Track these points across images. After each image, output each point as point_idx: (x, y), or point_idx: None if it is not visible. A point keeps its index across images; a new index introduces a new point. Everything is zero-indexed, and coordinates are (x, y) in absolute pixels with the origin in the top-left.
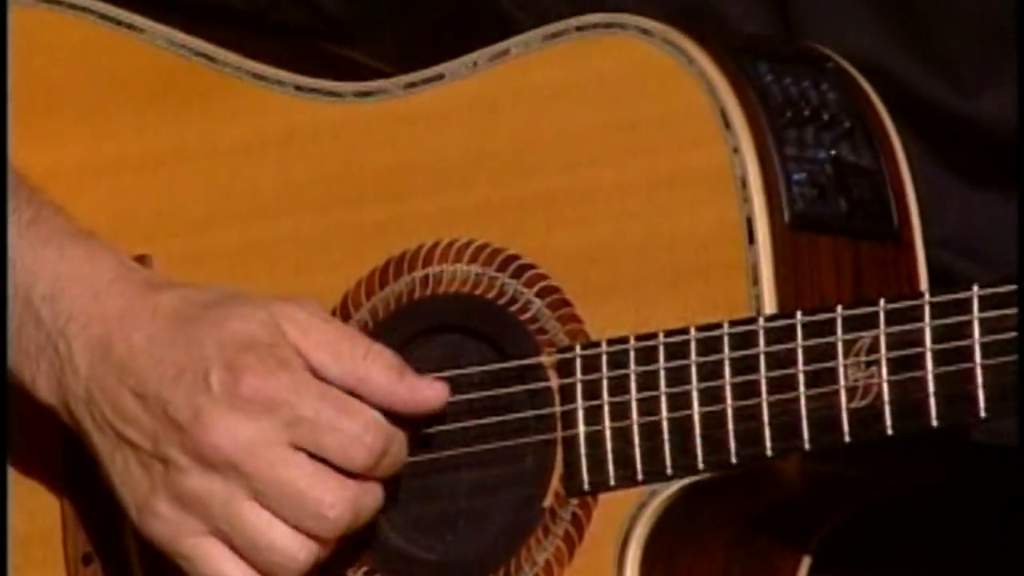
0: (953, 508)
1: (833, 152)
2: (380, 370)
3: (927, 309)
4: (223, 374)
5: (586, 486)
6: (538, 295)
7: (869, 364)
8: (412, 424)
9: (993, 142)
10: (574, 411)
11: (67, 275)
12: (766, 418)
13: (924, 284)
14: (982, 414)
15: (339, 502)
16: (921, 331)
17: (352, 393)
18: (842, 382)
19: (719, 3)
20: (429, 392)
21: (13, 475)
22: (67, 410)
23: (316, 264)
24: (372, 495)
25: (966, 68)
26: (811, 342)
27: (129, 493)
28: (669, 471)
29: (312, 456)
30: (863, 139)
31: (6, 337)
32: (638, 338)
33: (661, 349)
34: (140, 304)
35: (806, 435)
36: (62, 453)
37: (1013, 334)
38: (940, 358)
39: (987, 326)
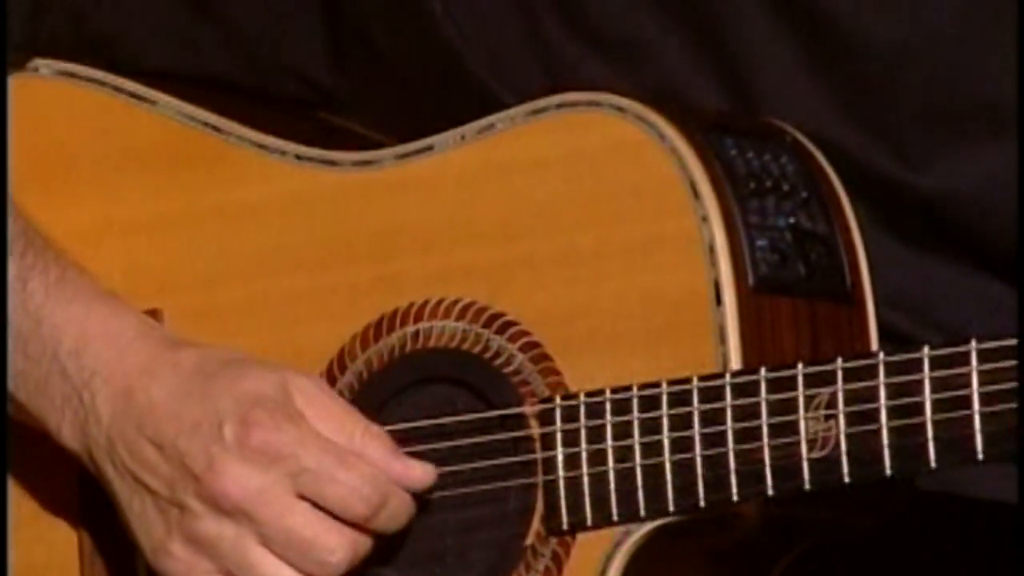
0: (900, 546)
1: (792, 220)
2: (377, 447)
3: (881, 368)
4: (236, 427)
5: (565, 526)
6: (521, 350)
7: (828, 418)
8: None
9: (935, 211)
10: (554, 458)
11: (92, 332)
12: (732, 466)
13: (875, 341)
14: (932, 465)
15: (339, 549)
16: (876, 388)
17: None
18: (803, 434)
19: (686, 82)
20: (419, 471)
21: (33, 511)
22: (89, 456)
23: (314, 319)
24: (371, 542)
25: (912, 143)
26: (774, 397)
27: (145, 535)
28: (642, 513)
29: (316, 505)
30: (819, 207)
31: (6, 338)
32: (614, 391)
33: (635, 401)
34: (161, 360)
35: (769, 482)
36: (79, 493)
37: (962, 392)
38: (893, 413)
39: (937, 384)
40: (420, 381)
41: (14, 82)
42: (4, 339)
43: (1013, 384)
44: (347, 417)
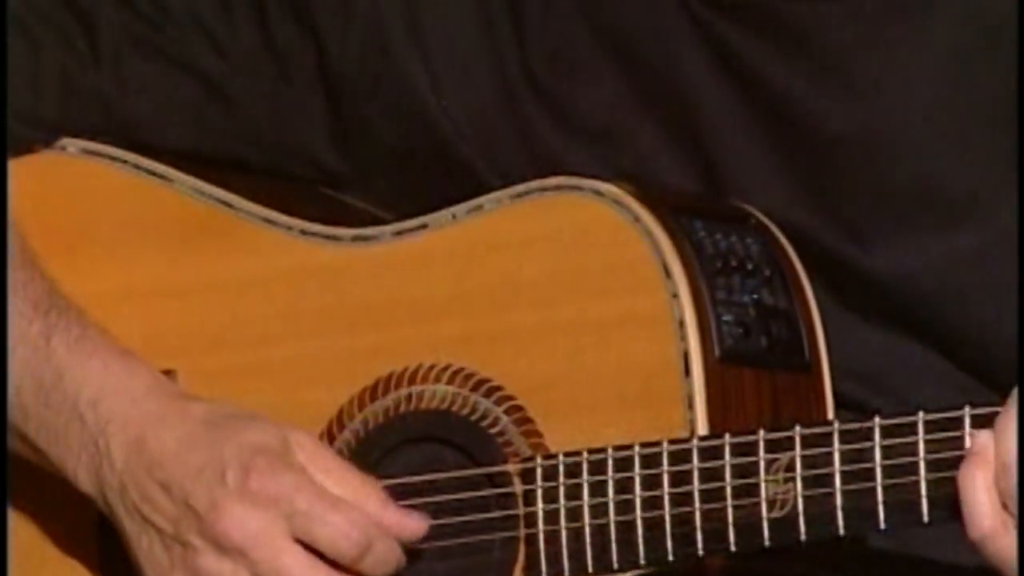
0: None
1: (755, 296)
2: (373, 499)
3: (836, 435)
4: (237, 472)
5: None
6: (505, 413)
7: (786, 480)
8: None
9: (885, 290)
10: (535, 513)
11: (109, 385)
12: (698, 523)
13: (831, 408)
14: (882, 526)
15: None
16: (831, 454)
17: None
18: (763, 495)
19: (660, 168)
20: (413, 522)
21: (55, 552)
22: (103, 498)
23: (316, 381)
24: None
25: (865, 227)
26: (737, 460)
27: (152, 569)
28: (615, 565)
29: (309, 549)
30: (780, 285)
31: (6, 341)
32: (590, 452)
33: (610, 462)
34: (171, 411)
35: (732, 539)
36: (98, 533)
37: (910, 459)
38: (846, 478)
39: (887, 452)
40: (412, 440)
41: (43, 160)
42: (4, 340)
43: (958, 452)
44: (346, 472)
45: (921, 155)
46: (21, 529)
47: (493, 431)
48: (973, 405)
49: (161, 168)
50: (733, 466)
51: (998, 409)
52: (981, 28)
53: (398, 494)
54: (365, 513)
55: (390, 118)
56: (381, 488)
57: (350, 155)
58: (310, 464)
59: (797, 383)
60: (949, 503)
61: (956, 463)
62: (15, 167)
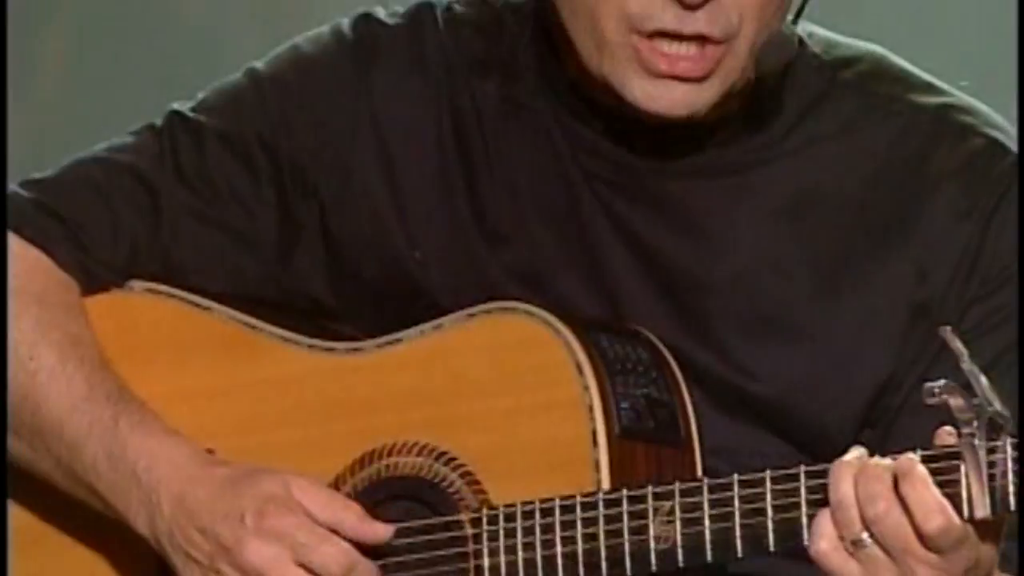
0: None
1: (645, 391)
2: (351, 515)
3: (705, 489)
4: (254, 516)
5: None
6: (460, 477)
7: (668, 522)
8: (375, 556)
9: (742, 392)
10: (481, 550)
11: (159, 456)
12: (603, 554)
13: (699, 472)
14: (739, 555)
15: None
16: (701, 502)
17: (333, 530)
18: (651, 532)
19: (576, 300)
20: (381, 528)
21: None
22: (155, 539)
23: (319, 455)
24: None
25: (729, 348)
26: (632, 508)
27: None
28: None
29: (309, 570)
30: (663, 384)
31: (6, 344)
32: (523, 504)
33: (537, 512)
34: (203, 474)
35: (628, 566)
36: (157, 564)
37: (760, 504)
38: (712, 519)
39: (743, 499)
40: (391, 498)
41: (117, 295)
42: (4, 342)
43: (796, 499)
44: (332, 499)
45: (762, 291)
46: (98, 563)
47: (450, 491)
48: (807, 465)
49: (203, 301)
50: (629, 512)
51: (828, 466)
52: (798, 200)
53: None
54: (350, 526)
55: (375, 266)
56: (358, 507)
57: (343, 294)
58: (304, 498)
59: (675, 455)
60: (790, 536)
61: (795, 507)
62: (96, 301)
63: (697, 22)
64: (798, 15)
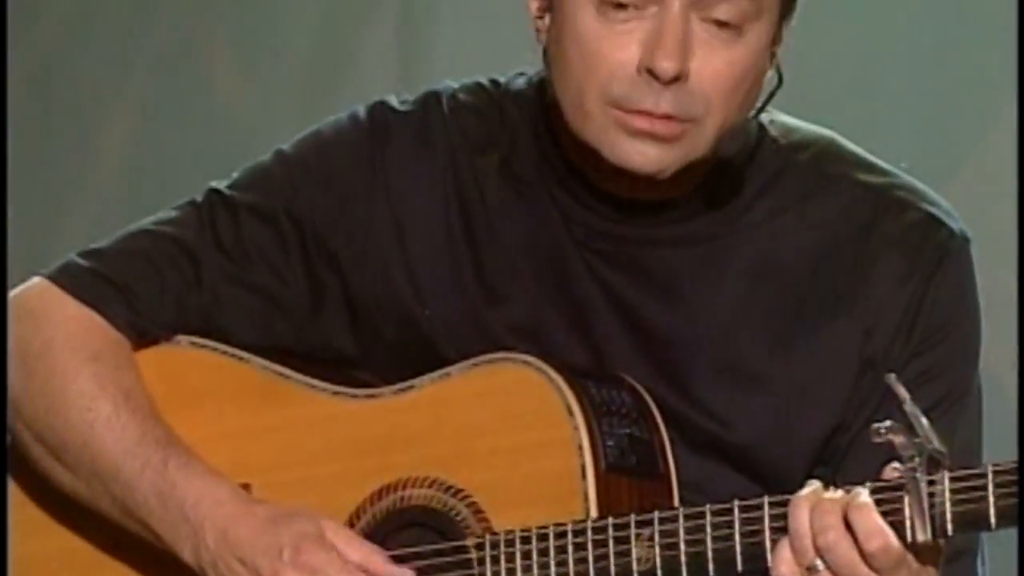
0: None
1: (628, 431)
2: (377, 558)
3: (681, 517)
4: (290, 551)
5: None
6: (466, 507)
7: (649, 546)
8: None
9: (711, 434)
10: (485, 571)
11: (205, 495)
12: (592, 575)
13: (676, 504)
14: (711, 575)
15: None
16: (677, 528)
17: (362, 570)
18: (634, 555)
19: (567, 352)
20: (403, 571)
21: None
22: (200, 568)
23: (343, 489)
24: None
25: (698, 392)
26: (617, 533)
27: None
28: None
29: None
30: (644, 424)
31: (6, 343)
32: (522, 531)
33: (534, 537)
34: (244, 511)
35: None
36: None
37: (728, 531)
38: (687, 543)
39: (714, 526)
40: (406, 525)
41: (164, 349)
42: (4, 343)
43: (760, 527)
44: (360, 543)
45: (729, 346)
46: None
47: (458, 519)
48: (770, 497)
49: (240, 352)
50: (614, 537)
51: (788, 497)
52: (760, 266)
53: (398, 559)
54: (376, 569)
55: (389, 323)
56: (383, 551)
57: (362, 346)
58: (336, 539)
59: (654, 487)
60: (756, 559)
61: (759, 533)
62: (147, 355)
63: (668, 103)
64: (760, 110)
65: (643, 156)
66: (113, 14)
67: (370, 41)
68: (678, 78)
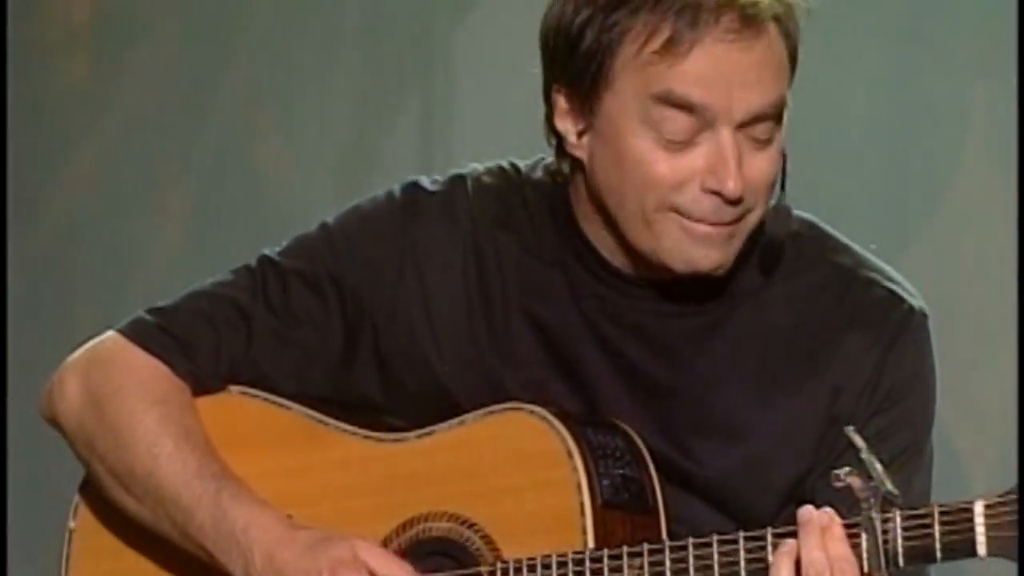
0: None
1: (622, 471)
2: (404, 572)
3: (667, 549)
4: (329, 573)
5: None
6: (480, 538)
7: (640, 575)
8: None
9: (694, 478)
10: None
11: (253, 522)
12: None
13: (664, 537)
14: None
15: None
16: (663, 559)
17: None
18: None
19: (566, 403)
20: None
21: None
22: None
23: (373, 521)
24: None
25: (685, 442)
26: (612, 563)
27: None
28: None
29: None
30: (636, 466)
31: (6, 341)
32: (528, 560)
33: (539, 566)
34: (287, 536)
35: None
36: None
37: (709, 561)
38: (674, 572)
39: (695, 557)
40: (428, 554)
41: (219, 397)
42: (4, 346)
43: (736, 558)
44: (390, 559)
45: (713, 400)
46: None
47: (473, 549)
48: (746, 531)
49: (283, 401)
50: (609, 567)
51: (762, 532)
52: (742, 332)
53: None
54: None
55: (414, 376)
56: (409, 566)
57: (390, 396)
58: (369, 557)
59: (645, 521)
60: None
61: (735, 564)
62: (204, 402)
63: (730, 213)
64: (783, 188)
65: (709, 259)
66: (175, 106)
67: (397, 128)
68: (741, 195)
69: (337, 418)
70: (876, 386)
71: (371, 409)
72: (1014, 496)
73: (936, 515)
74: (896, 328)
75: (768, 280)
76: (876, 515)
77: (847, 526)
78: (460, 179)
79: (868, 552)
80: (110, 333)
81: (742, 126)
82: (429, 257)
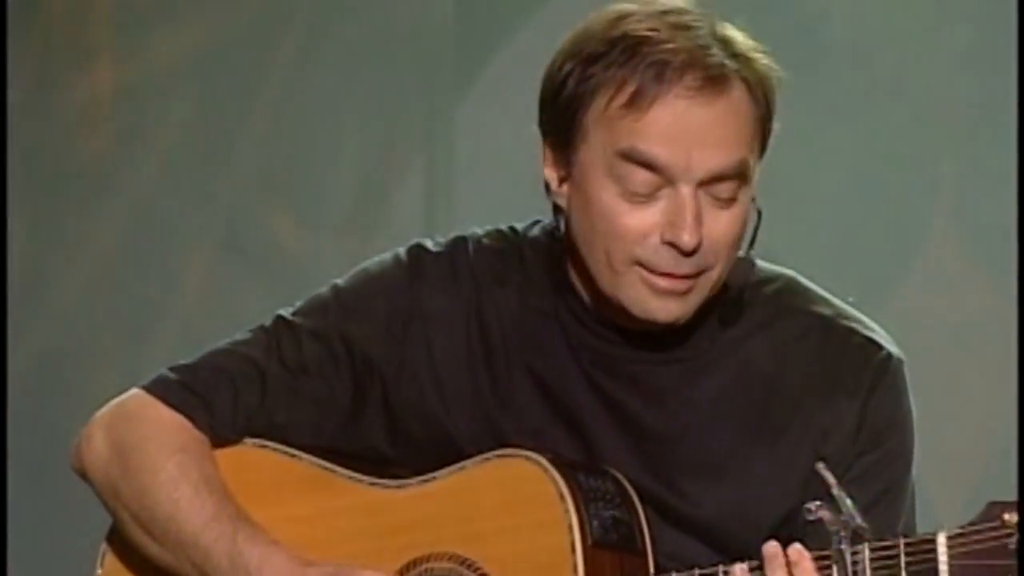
0: None
1: (612, 513)
2: None
3: None
4: None
5: None
6: None
7: None
8: None
9: (683, 517)
10: None
11: (266, 561)
12: None
13: (652, 573)
14: None
15: None
16: None
17: None
18: None
19: (562, 449)
20: None
21: None
22: None
23: (378, 562)
24: None
25: (677, 482)
26: None
27: None
28: None
29: None
30: (626, 508)
31: (6, 339)
32: None
33: None
34: (300, 573)
35: None
36: None
37: None
38: None
39: None
40: None
41: (235, 449)
42: (4, 345)
43: None
44: None
45: (704, 443)
46: None
47: None
48: (724, 565)
49: (294, 451)
50: None
51: (737, 565)
52: (731, 379)
53: None
54: None
55: (419, 426)
56: None
57: (396, 445)
58: None
59: (633, 560)
60: None
61: None
62: (222, 453)
63: (688, 265)
64: (751, 246)
65: (667, 311)
66: (190, 175)
67: (401, 194)
68: (698, 248)
69: (345, 467)
70: (860, 428)
71: (377, 457)
72: (973, 528)
73: (902, 547)
74: (876, 373)
75: (751, 330)
76: (846, 547)
77: (817, 558)
78: (462, 241)
79: None
80: (134, 390)
81: (703, 184)
82: (433, 313)
